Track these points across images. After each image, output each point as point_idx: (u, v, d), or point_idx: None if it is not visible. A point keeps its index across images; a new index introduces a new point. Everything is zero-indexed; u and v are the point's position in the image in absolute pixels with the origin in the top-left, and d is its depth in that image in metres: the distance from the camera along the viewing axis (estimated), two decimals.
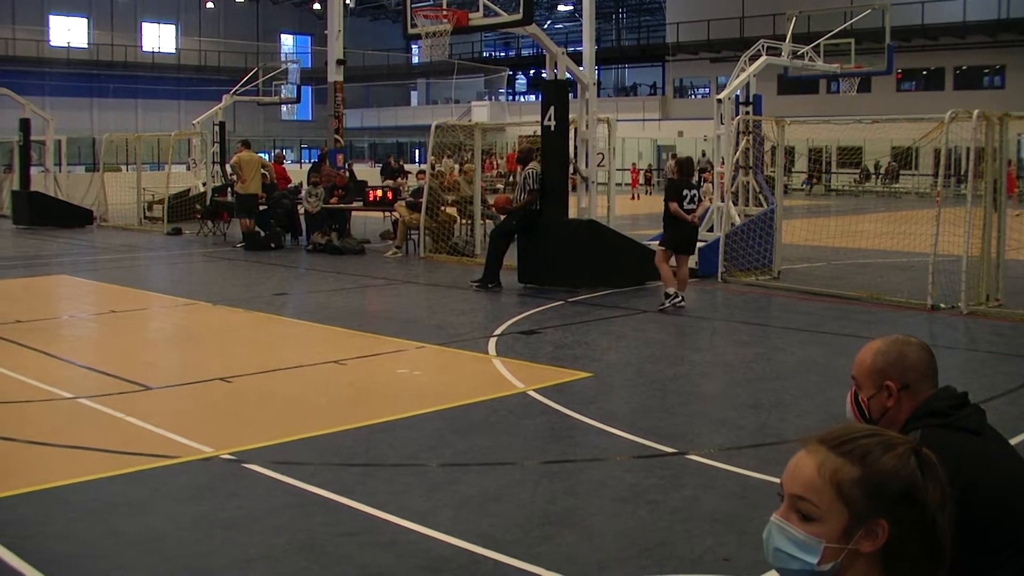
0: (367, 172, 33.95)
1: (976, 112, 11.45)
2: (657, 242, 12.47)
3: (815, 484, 1.57)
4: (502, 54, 66.76)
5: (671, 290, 11.65)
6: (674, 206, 11.67)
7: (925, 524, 1.57)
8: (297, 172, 32.34)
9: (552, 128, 13.48)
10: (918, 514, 1.57)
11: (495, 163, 39.47)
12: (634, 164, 42.84)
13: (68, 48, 55.50)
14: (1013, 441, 5.74)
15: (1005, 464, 2.33)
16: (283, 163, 25.96)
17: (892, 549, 1.56)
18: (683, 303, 11.70)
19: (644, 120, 51.22)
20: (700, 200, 12.06)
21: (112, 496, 5.40)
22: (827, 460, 1.58)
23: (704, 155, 42.54)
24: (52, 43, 55.28)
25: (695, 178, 12.73)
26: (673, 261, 11.96)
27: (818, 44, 21.30)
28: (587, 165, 14.47)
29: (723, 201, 15.26)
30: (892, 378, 2.48)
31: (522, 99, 65.21)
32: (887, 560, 1.57)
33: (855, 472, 1.57)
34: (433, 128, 18.09)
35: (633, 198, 38.03)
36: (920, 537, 1.57)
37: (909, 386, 2.48)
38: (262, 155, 25.46)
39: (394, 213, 18.79)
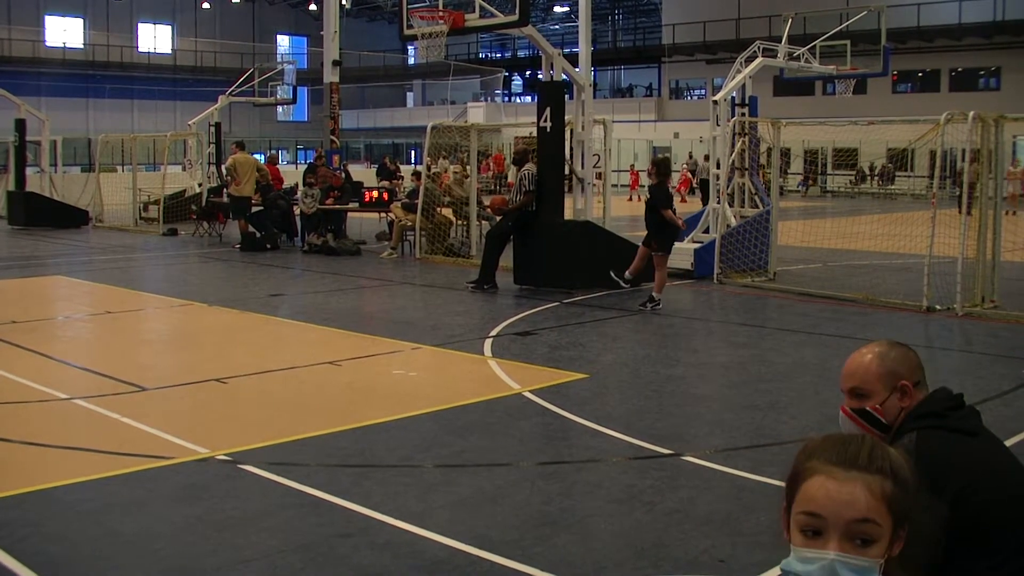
0: (363, 173, 33.93)
1: (972, 114, 11.46)
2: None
3: (875, 506, 1.60)
4: (498, 55, 66.82)
5: (659, 295, 11.78)
6: (669, 213, 11.76)
7: (920, 511, 1.66)
8: (293, 173, 32.32)
9: (548, 129, 13.48)
10: (919, 504, 1.65)
11: (490, 164, 39.48)
12: (632, 165, 42.89)
13: (64, 48, 55.39)
14: (1009, 442, 5.75)
15: (1001, 465, 2.34)
16: (276, 164, 25.83)
17: (906, 545, 1.63)
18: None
19: (640, 121, 51.23)
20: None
21: (107, 497, 5.39)
22: (872, 481, 1.61)
23: (691, 156, 43.00)
24: (48, 43, 55.18)
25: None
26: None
27: (814, 46, 21.34)
28: (583, 166, 14.48)
29: (718, 202, 15.28)
30: (905, 377, 2.48)
31: (518, 100, 65.24)
32: (897, 558, 1.63)
33: (891, 484, 1.61)
34: (429, 129, 18.09)
35: (630, 199, 38.09)
36: (924, 528, 1.66)
37: (919, 383, 2.50)
38: (257, 156, 25.46)
39: (390, 214, 18.79)
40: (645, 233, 12.00)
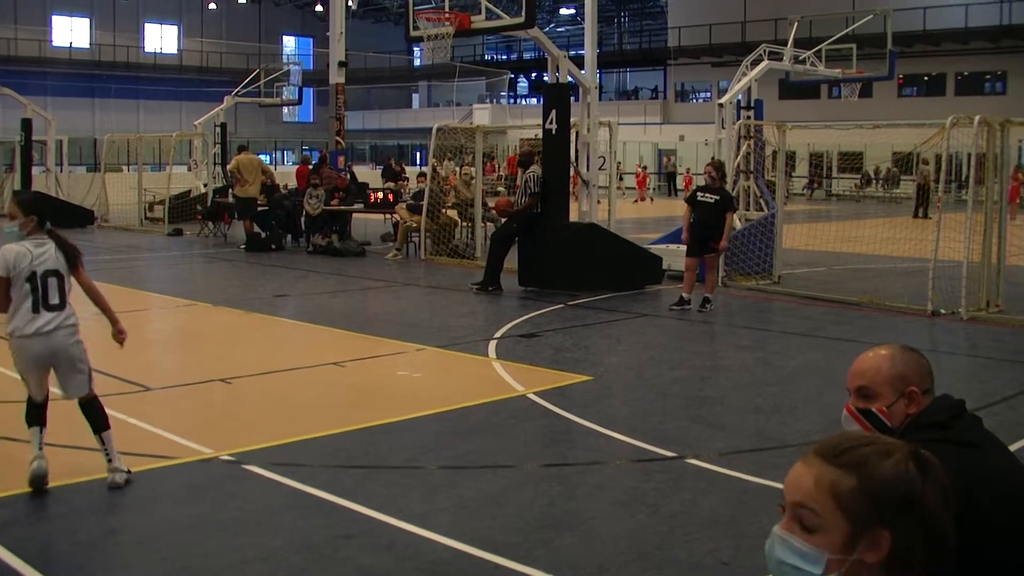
0: (368, 174, 33.93)
1: (977, 118, 11.44)
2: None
3: (814, 495, 1.57)
4: (504, 57, 66.82)
5: (713, 295, 11.95)
6: (732, 215, 11.98)
7: (928, 529, 1.57)
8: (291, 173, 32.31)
9: (553, 131, 13.48)
10: (920, 520, 1.56)
11: (495, 166, 39.49)
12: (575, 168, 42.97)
13: (70, 48, 55.49)
14: (1013, 447, 5.74)
15: (1005, 477, 2.30)
16: (309, 164, 25.46)
17: (897, 558, 1.55)
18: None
19: (645, 124, 51.20)
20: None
21: (111, 496, 5.40)
22: (825, 471, 1.58)
23: (670, 159, 43.69)
24: (54, 43, 55.26)
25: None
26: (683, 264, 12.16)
27: (820, 49, 21.35)
28: (588, 169, 14.48)
29: None
30: (915, 383, 2.44)
31: (523, 102, 65.20)
32: (892, 569, 1.56)
33: (852, 482, 1.56)
34: (434, 131, 18.09)
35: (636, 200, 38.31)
36: (924, 543, 1.56)
37: (928, 391, 2.46)
38: (262, 156, 25.46)
39: (395, 215, 18.80)
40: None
